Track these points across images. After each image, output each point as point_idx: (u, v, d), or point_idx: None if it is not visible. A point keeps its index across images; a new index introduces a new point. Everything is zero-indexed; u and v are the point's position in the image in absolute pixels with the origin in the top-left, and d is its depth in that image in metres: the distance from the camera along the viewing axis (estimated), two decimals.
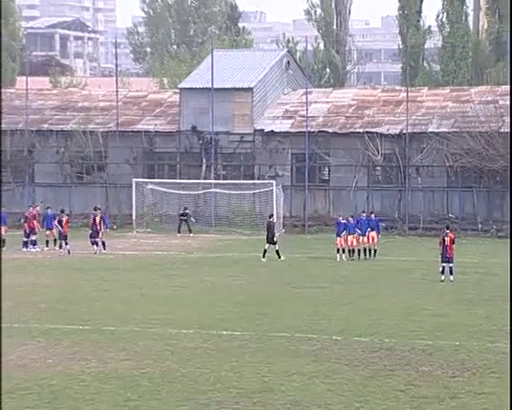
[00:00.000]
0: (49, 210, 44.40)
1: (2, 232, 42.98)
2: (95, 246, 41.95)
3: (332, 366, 20.99)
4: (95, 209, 43.84)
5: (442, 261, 33.97)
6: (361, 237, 40.06)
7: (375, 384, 19.43)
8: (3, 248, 42.32)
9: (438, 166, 51.30)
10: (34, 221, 43.15)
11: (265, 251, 39.37)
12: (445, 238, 34.05)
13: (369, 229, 40.11)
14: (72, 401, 18.12)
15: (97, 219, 42.50)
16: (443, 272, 33.82)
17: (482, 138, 49.88)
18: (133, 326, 25.33)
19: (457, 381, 19.80)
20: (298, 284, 33.07)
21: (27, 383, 19.38)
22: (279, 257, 39.35)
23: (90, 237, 42.36)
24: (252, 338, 23.81)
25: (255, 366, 20.88)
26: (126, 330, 24.87)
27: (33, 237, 42.94)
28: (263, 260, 38.95)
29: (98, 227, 42.24)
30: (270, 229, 40.04)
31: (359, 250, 40.20)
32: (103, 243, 42.34)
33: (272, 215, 42.82)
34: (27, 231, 42.87)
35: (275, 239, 39.93)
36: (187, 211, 49.86)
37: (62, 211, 43.80)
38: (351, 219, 40.85)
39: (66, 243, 41.60)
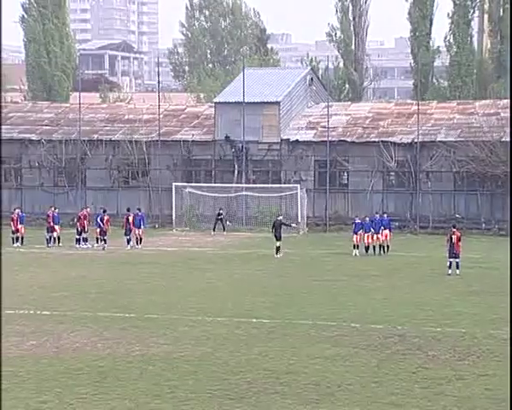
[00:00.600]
0: (101, 210, 44.63)
1: (57, 230, 43.23)
2: (130, 243, 42.17)
3: (350, 350, 20.89)
4: (127, 210, 44.13)
5: (449, 257, 33.77)
6: (375, 235, 40.02)
7: (389, 367, 19.33)
8: (60, 244, 42.61)
9: (445, 172, 51.02)
10: (85, 221, 43.29)
11: (278, 248, 38.83)
12: (452, 236, 33.84)
13: (382, 227, 40.10)
14: (119, 381, 18.15)
15: (130, 218, 42.71)
16: (450, 267, 33.61)
17: (485, 147, 49.58)
18: (173, 314, 25.34)
19: (463, 364, 19.66)
20: (319, 277, 32.97)
21: (79, 365, 19.43)
22: (276, 253, 38.64)
23: (125, 234, 42.61)
24: (278, 325, 23.75)
25: (281, 351, 20.83)
26: (167, 317, 24.88)
27: (84, 235, 43.11)
28: (276, 256, 38.50)
29: (130, 226, 42.46)
30: (277, 228, 39.27)
31: (374, 247, 40.11)
32: (140, 240, 42.55)
33: (280, 215, 42.21)
34: (79, 229, 43.06)
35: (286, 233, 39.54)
36: (221, 211, 49.89)
37: (104, 211, 44.06)
38: (367, 219, 40.80)
39: (105, 241, 41.86)
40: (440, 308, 26.44)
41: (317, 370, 19.06)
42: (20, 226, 43.35)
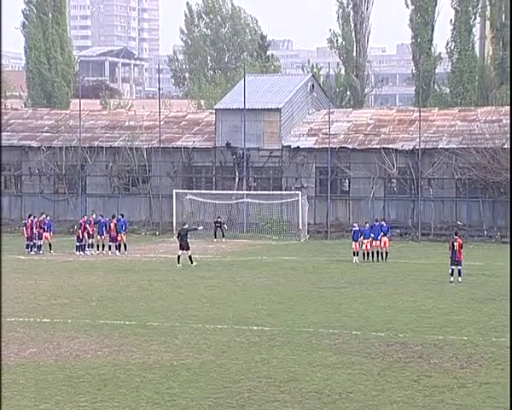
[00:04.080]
0: (100, 217, 44.57)
1: (49, 238, 43.04)
2: (112, 248, 42.41)
3: (352, 358, 20.88)
4: (113, 217, 44.20)
5: (451, 264, 33.75)
6: (374, 242, 40.12)
7: (390, 375, 19.31)
8: (52, 252, 42.43)
9: (447, 179, 51.04)
10: (87, 228, 43.16)
11: (179, 257, 37.94)
12: (454, 243, 33.82)
13: (381, 234, 40.21)
14: (120, 389, 18.13)
15: (112, 225, 42.63)
16: (452, 274, 33.59)
17: (487, 154, 49.61)
18: (174, 322, 25.34)
19: (465, 372, 19.63)
20: (321, 285, 32.96)
21: (80, 372, 19.43)
22: (191, 262, 37.81)
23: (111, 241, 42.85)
24: (279, 333, 23.74)
25: (282, 358, 20.82)
26: (168, 325, 24.88)
27: (85, 242, 43.02)
28: (178, 265, 37.73)
29: (111, 232, 42.48)
30: (183, 237, 38.27)
31: (373, 253, 40.18)
32: (125, 245, 42.55)
33: (185, 223, 41.61)
34: (80, 236, 43.01)
35: (188, 245, 38.38)
36: (219, 219, 49.90)
37: (44, 216, 43.81)
38: (367, 225, 41.00)
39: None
40: (442, 316, 26.43)
41: (319, 378, 19.04)
42: (46, 234, 42.97)
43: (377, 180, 51.79)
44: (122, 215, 45.09)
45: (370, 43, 76.98)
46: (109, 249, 42.59)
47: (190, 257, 38.03)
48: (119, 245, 42.60)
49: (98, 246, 43.20)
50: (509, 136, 50.08)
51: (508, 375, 19.09)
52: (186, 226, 40.24)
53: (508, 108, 54.63)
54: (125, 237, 43.16)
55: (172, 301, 29.10)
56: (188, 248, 38.26)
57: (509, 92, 62.48)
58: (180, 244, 38.34)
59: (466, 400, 17.47)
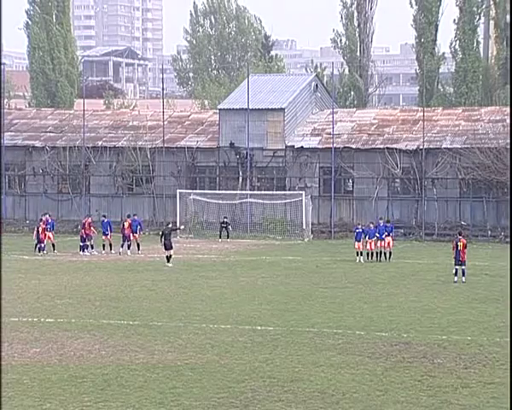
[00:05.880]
0: (103, 217, 44.60)
1: (52, 238, 43.02)
2: (124, 248, 42.45)
3: (356, 358, 20.87)
4: (128, 216, 44.23)
5: (455, 264, 33.71)
6: (379, 241, 40.13)
7: (394, 375, 19.29)
8: (55, 252, 42.40)
9: (451, 179, 51.04)
10: (90, 228, 43.19)
11: (169, 257, 37.93)
12: (458, 243, 33.78)
13: (385, 233, 40.21)
14: (123, 389, 18.13)
15: (126, 224, 42.71)
16: (456, 274, 33.56)
17: (491, 153, 49.60)
18: (177, 322, 25.34)
19: (469, 372, 19.61)
20: (325, 284, 32.95)
21: (83, 372, 19.43)
22: (168, 262, 37.77)
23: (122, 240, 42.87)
24: (283, 333, 23.73)
25: (286, 358, 20.81)
26: (171, 325, 24.88)
27: (88, 242, 43.03)
28: (169, 265, 37.67)
29: (125, 231, 42.53)
30: (167, 236, 38.07)
31: (377, 253, 40.17)
32: (138, 245, 42.65)
33: (170, 223, 41.57)
34: (84, 236, 43.00)
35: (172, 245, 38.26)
36: (226, 219, 49.98)
37: (42, 217, 43.65)
38: (371, 225, 40.97)
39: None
40: (446, 316, 26.40)
41: (322, 378, 19.03)
42: (48, 233, 42.81)
43: (381, 180, 51.80)
44: (135, 215, 45.16)
45: (374, 42, 77.05)
46: (128, 248, 42.47)
47: (170, 257, 37.96)
48: (130, 244, 42.63)
49: (104, 245, 43.18)
50: None
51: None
52: (170, 226, 40.30)
53: None
54: (137, 237, 43.16)
55: (176, 301, 29.10)
56: (171, 248, 38.24)
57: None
58: (165, 244, 38.19)
59: (470, 400, 17.46)
